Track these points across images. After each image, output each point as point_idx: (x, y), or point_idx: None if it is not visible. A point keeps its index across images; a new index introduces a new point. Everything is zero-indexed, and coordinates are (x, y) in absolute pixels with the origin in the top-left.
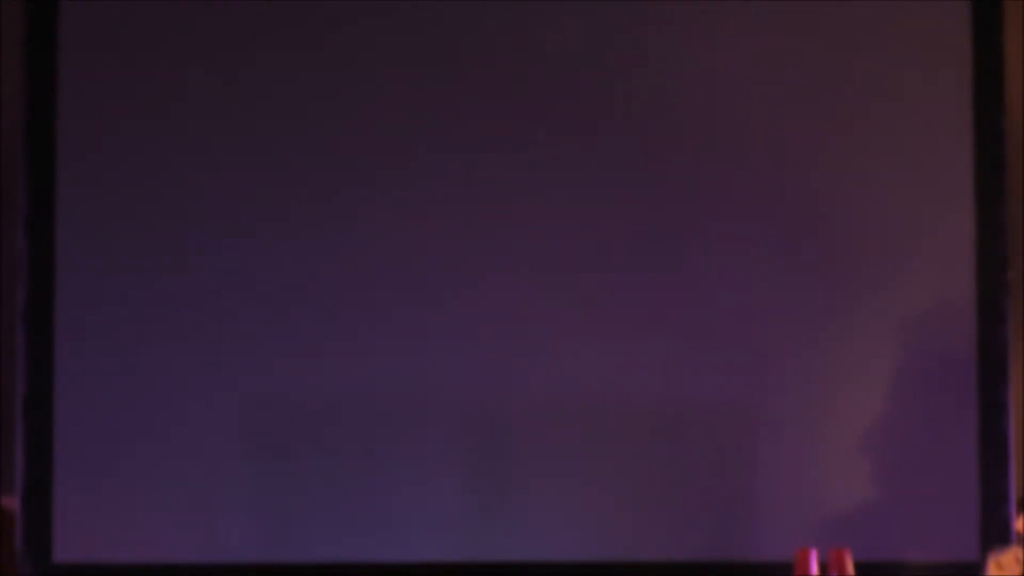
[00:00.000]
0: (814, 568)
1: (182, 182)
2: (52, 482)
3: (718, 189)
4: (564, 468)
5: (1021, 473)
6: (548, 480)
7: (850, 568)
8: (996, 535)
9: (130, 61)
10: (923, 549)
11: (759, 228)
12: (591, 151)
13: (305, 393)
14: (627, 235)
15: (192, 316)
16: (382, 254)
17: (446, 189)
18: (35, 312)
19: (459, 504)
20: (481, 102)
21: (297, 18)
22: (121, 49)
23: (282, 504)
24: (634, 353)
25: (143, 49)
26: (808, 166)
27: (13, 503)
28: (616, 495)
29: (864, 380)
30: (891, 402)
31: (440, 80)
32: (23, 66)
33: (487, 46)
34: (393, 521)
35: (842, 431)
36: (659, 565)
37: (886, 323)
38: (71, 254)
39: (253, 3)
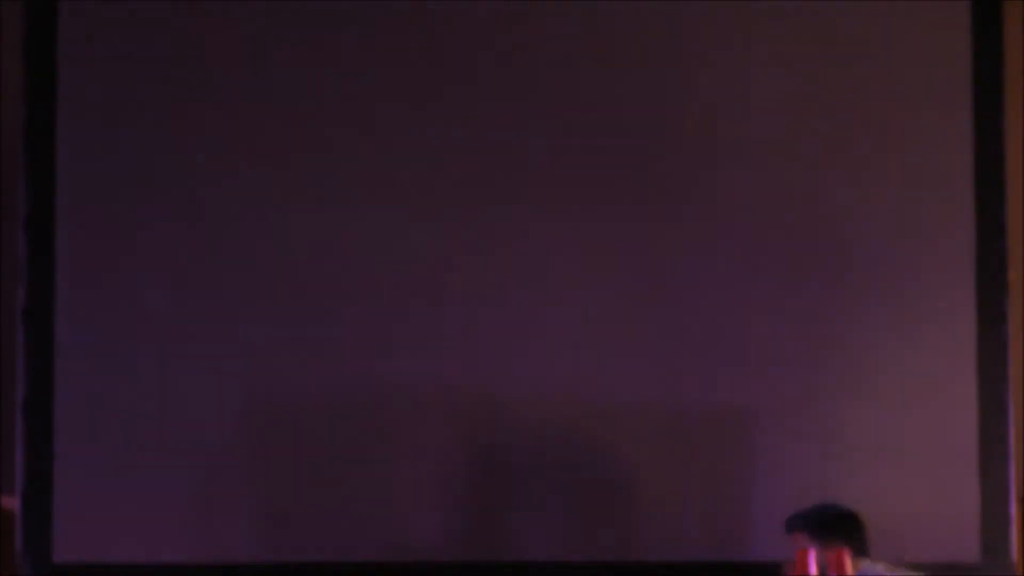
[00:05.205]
0: (814, 568)
1: (182, 182)
2: (52, 482)
3: (718, 192)
4: (564, 468)
5: (1021, 473)
6: (548, 480)
7: (850, 568)
8: (996, 535)
9: (129, 61)
10: (923, 549)
11: (760, 230)
12: (594, 154)
13: (305, 394)
14: (628, 237)
15: (192, 317)
16: (383, 256)
17: (448, 191)
18: (35, 312)
19: (459, 504)
20: (483, 105)
21: (298, 18)
22: (120, 49)
23: (282, 504)
24: (635, 354)
25: (143, 49)
26: (808, 167)
27: (13, 503)
28: (616, 495)
29: (864, 381)
30: (891, 402)
31: (442, 83)
32: (23, 66)
33: (489, 48)
34: (393, 521)
35: (842, 432)
36: (659, 565)
37: (886, 323)
38: (71, 254)
39: (253, 4)
